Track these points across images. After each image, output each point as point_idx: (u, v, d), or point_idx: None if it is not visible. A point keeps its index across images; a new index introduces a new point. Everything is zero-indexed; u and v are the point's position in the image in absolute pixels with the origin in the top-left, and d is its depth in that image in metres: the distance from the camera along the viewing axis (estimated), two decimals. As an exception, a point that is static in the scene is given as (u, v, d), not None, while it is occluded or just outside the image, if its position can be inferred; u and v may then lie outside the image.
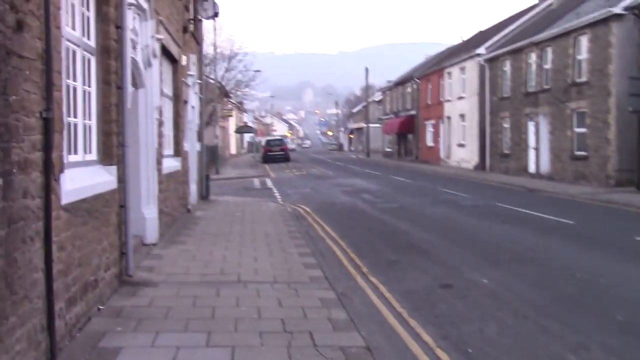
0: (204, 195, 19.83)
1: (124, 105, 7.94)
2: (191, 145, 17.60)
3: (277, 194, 23.75)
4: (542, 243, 11.95)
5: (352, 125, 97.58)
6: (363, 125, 79.02)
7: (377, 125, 69.66)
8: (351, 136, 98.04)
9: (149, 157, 10.63)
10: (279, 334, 6.09)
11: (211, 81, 41.86)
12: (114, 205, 7.68)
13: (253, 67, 49.01)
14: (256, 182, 31.31)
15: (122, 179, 7.92)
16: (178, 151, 14.43)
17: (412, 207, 18.11)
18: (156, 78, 11.13)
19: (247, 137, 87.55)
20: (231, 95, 50.22)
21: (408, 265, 9.98)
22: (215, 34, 38.95)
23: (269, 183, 30.02)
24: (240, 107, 73.73)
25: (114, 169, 7.64)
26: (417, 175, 33.08)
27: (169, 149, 13.64)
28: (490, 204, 18.85)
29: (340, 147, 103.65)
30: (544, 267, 9.80)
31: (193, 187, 17.85)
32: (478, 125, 37.18)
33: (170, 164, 13.07)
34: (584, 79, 25.64)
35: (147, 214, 10.58)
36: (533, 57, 30.29)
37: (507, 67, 33.30)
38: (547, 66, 28.79)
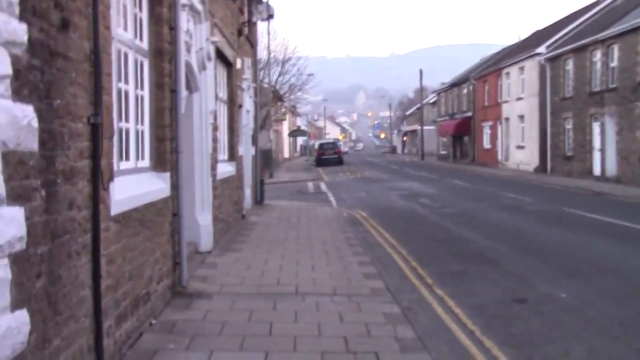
0: (258, 200, 19.57)
1: (177, 109, 7.64)
2: (246, 150, 17.36)
3: (331, 198, 23.32)
4: (620, 252, 11.10)
5: (406, 127, 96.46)
6: (417, 127, 77.93)
7: (432, 127, 68.52)
8: (405, 138, 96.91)
9: (204, 163, 10.35)
10: (342, 355, 5.62)
11: (265, 85, 41.94)
12: (167, 214, 7.38)
13: (306, 71, 48.86)
14: (310, 185, 30.99)
15: (175, 185, 7.61)
16: (233, 156, 14.17)
17: (472, 212, 17.36)
18: (211, 82, 10.85)
19: (300, 140, 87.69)
20: (284, 99, 50.16)
21: (475, 276, 9.35)
22: (269, 38, 38.89)
23: (323, 187, 29.64)
24: (293, 111, 73.83)
25: (167, 175, 7.33)
26: (475, 179, 32.11)
27: (223, 154, 13.38)
28: (556, 209, 17.91)
29: (393, 150, 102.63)
30: (627, 279, 9.01)
31: (247, 192, 17.59)
32: (538, 126, 35.89)
33: (225, 169, 12.79)
34: (654, 76, 24.27)
35: (201, 220, 10.31)
36: (598, 55, 28.94)
37: (570, 66, 31.98)
38: (614, 64, 27.43)
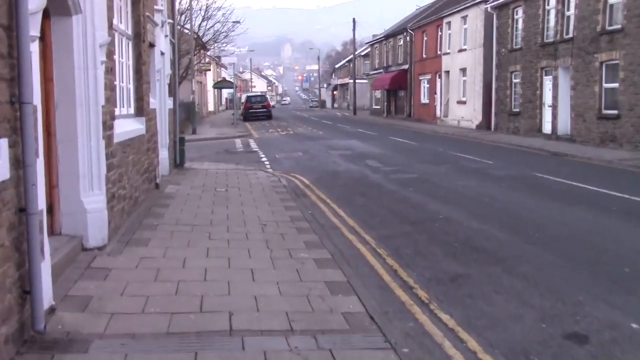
0: (178, 162, 16.27)
1: (21, 29, 4.36)
2: (160, 102, 13.97)
3: (264, 159, 20.25)
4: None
5: (336, 81, 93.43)
6: (348, 81, 75.26)
7: (364, 81, 65.89)
8: (335, 93, 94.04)
9: (90, 120, 7.08)
10: None
11: (187, 31, 37.74)
12: (6, 208, 4.20)
13: (231, 19, 44.64)
14: (238, 143, 27.71)
15: (18, 161, 4.41)
16: (141, 109, 10.83)
17: (434, 178, 14.73)
18: (101, 2, 7.48)
19: (226, 93, 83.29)
20: (208, 47, 45.95)
21: (484, 283, 6.63)
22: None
23: (253, 144, 26.45)
24: (218, 62, 69.24)
25: (-3, 144, 4.11)
26: (417, 136, 29.67)
27: (126, 107, 10.03)
28: (526, 173, 15.55)
29: (322, 105, 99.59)
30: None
31: (164, 154, 14.30)
32: (482, 80, 33.73)
33: (128, 127, 9.49)
34: (618, 25, 22.18)
35: (88, 204, 7.10)
36: (552, 3, 26.68)
37: (520, 14, 29.67)
38: (570, 12, 25.22)
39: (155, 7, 12.63)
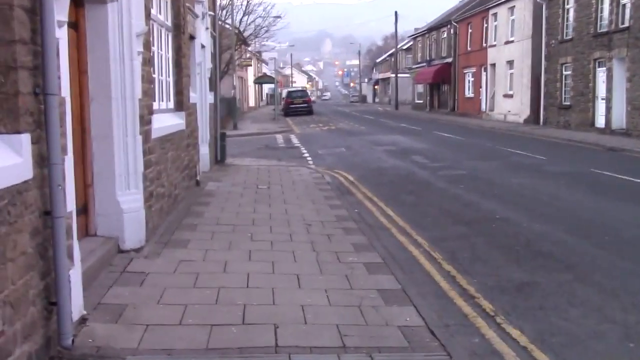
0: (219, 158, 15.90)
1: (44, 6, 3.92)
2: (201, 96, 13.60)
3: (306, 155, 19.75)
4: None
5: (377, 75, 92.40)
6: (390, 75, 74.24)
7: (406, 75, 64.81)
8: (376, 87, 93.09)
9: (127, 115, 6.67)
10: None
11: (228, 26, 37.51)
12: (28, 211, 3.77)
13: (272, 14, 44.16)
14: (279, 138, 27.29)
15: (42, 159, 3.97)
16: (181, 103, 10.43)
17: (485, 175, 14.01)
18: (138, -11, 7.06)
19: (267, 88, 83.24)
20: (249, 42, 45.68)
21: (556, 293, 5.96)
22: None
23: (295, 140, 26.00)
24: (259, 57, 69.16)
25: (17, 140, 3.67)
26: (463, 131, 28.75)
27: (165, 101, 9.64)
28: (583, 170, 14.69)
29: (363, 99, 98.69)
30: None
31: (204, 150, 13.94)
32: (530, 73, 32.56)
33: (167, 122, 9.09)
34: (679, 13, 20.96)
35: (124, 203, 6.70)
36: (607, -10, 25.46)
37: (571, 3, 28.44)
38: (626, 0, 24.00)
39: (195, -2, 12.23)
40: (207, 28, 14.06)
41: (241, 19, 41.21)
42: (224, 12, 39.46)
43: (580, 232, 8.47)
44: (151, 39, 8.44)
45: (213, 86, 15.47)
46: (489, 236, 8.28)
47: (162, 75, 9.40)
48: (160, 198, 8.17)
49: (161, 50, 9.35)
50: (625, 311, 5.45)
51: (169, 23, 9.93)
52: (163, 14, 9.50)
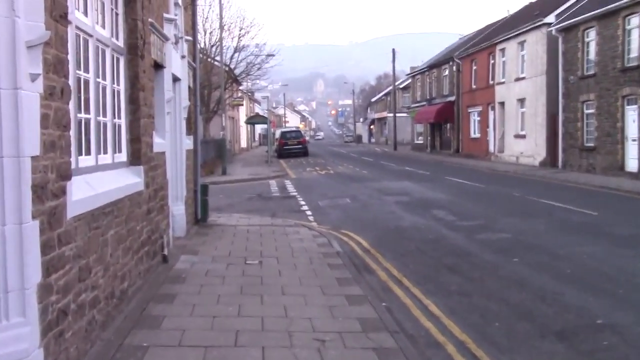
0: (199, 217, 12.86)
1: None
2: (174, 141, 10.67)
3: (305, 208, 16.75)
4: None
5: (373, 115, 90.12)
6: (386, 114, 72.08)
7: (404, 114, 62.40)
8: (372, 127, 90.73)
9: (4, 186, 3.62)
10: None
11: (217, 64, 34.87)
12: None
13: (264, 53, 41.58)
14: (273, 185, 24.31)
15: None
16: (137, 154, 7.43)
17: (537, 240, 11.00)
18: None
19: (259, 128, 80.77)
20: (241, 80, 43.06)
21: None
22: (222, 6, 31.79)
23: (290, 187, 23.02)
24: (251, 97, 66.68)
25: None
26: (477, 176, 25.84)
27: (110, 153, 6.64)
28: (652, 230, 11.75)
29: (358, 139, 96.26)
30: None
31: (179, 210, 10.92)
32: (545, 111, 29.93)
33: (110, 185, 6.06)
34: None
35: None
36: (635, 21, 22.94)
37: (592, 36, 25.92)
38: (659, 31, 21.50)
39: (165, 14, 9.37)
40: (183, 56, 11.19)
41: (232, 56, 38.68)
42: (214, 48, 37.00)
43: None
44: (79, 58, 5.51)
45: (190, 128, 12.52)
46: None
47: (104, 116, 6.43)
48: (83, 311, 5.09)
49: (104, 79, 6.41)
50: None
51: (119, 43, 7.01)
52: (108, 28, 6.58)
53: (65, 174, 4.66)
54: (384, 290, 7.98)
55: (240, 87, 48.84)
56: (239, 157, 47.36)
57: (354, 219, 14.44)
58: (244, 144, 65.19)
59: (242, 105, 56.37)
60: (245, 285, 7.76)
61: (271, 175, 28.63)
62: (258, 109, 71.61)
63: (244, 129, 64.64)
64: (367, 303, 7.03)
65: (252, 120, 49.88)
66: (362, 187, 21.94)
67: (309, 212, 15.83)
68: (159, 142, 8.81)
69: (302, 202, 17.97)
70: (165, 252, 8.88)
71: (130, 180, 6.98)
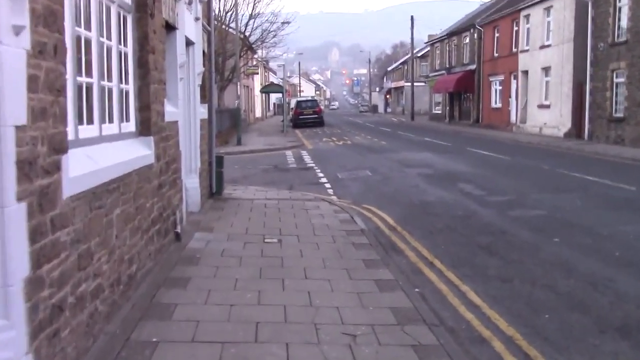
0: (214, 190, 12.23)
1: None
2: (188, 110, 10.00)
3: (324, 180, 16.09)
4: None
5: (390, 84, 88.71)
6: (404, 84, 70.79)
7: (421, 84, 61.16)
8: (388, 97, 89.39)
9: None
10: None
11: (232, 31, 33.93)
12: None
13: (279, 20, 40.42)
14: (290, 156, 23.61)
15: None
16: (147, 124, 6.76)
17: (575, 218, 10.25)
18: None
19: (274, 98, 79.89)
20: (256, 48, 42.07)
21: None
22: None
23: (307, 158, 22.32)
24: (266, 66, 65.65)
25: None
26: (500, 147, 24.93)
27: (116, 122, 5.98)
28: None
29: (374, 109, 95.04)
30: None
31: (193, 182, 10.30)
32: (572, 80, 28.81)
33: (115, 159, 5.41)
34: None
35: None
36: (672, -16, 21.75)
37: (625, 1, 24.71)
38: (699, -6, 20.31)
39: (177, -29, 8.60)
40: (197, 18, 10.43)
41: (247, 23, 37.67)
42: (228, 15, 36.03)
43: None
44: (78, 13, 4.81)
45: (205, 96, 11.82)
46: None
47: (109, 80, 5.75)
48: (83, 304, 4.46)
49: (109, 39, 5.71)
50: None
51: (126, -2, 6.28)
52: (111, -19, 5.85)
53: (60, 147, 4.00)
54: (414, 273, 7.32)
55: (255, 56, 47.87)
56: (253, 127, 46.66)
57: (375, 192, 13.74)
58: (258, 113, 64.41)
59: (257, 73, 55.41)
60: (264, 267, 7.12)
61: (287, 146, 27.92)
62: (273, 78, 70.62)
63: (258, 99, 63.80)
64: (399, 289, 6.37)
65: (267, 89, 48.99)
66: (381, 158, 21.19)
67: (327, 185, 15.15)
68: (171, 111, 8.13)
69: (320, 174, 17.29)
70: (178, 230, 8.26)
71: (139, 153, 6.32)
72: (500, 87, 38.26)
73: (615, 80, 25.54)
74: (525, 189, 13.35)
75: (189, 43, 9.81)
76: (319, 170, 18.22)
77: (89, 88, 5.19)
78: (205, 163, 11.66)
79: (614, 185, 13.57)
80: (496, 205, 11.58)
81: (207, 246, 8.16)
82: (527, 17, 34.00)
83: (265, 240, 8.58)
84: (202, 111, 11.48)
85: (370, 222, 10.33)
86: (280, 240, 8.60)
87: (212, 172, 12.07)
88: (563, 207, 11.07)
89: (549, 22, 31.46)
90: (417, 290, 6.53)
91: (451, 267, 7.50)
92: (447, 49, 49.80)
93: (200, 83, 10.98)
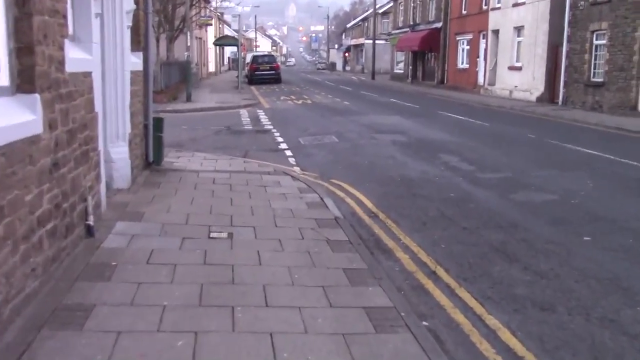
0: (151, 159, 9.93)
1: None
2: (111, 58, 7.64)
3: (284, 146, 13.96)
4: None
5: (349, 42, 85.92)
6: (364, 41, 68.32)
7: (383, 41, 58.80)
8: (347, 55, 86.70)
9: None
10: None
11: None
12: None
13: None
14: (245, 115, 21.28)
15: None
16: (30, 74, 4.45)
17: (594, 204, 8.43)
18: None
19: (229, 52, 76.44)
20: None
21: None
22: None
23: (264, 119, 20.06)
24: (220, 17, 62.17)
25: None
26: (472, 111, 23.07)
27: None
28: None
29: (332, 67, 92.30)
30: None
31: (121, 152, 8.04)
32: (547, 41, 27.03)
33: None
34: None
35: None
36: (665, -63, 19.96)
37: (609, -46, 22.88)
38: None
39: None
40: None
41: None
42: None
43: None
44: None
45: (139, 42, 9.39)
46: None
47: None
48: None
49: None
50: None
51: None
52: None
53: None
54: (415, 290, 5.34)
55: (209, 6, 44.70)
56: (206, 82, 43.74)
57: (345, 164, 11.69)
58: (212, 68, 61.11)
59: (211, 24, 52.09)
60: (207, 283, 5.00)
61: (242, 104, 25.47)
62: (228, 31, 67.06)
63: (212, 52, 60.43)
64: (403, 325, 4.37)
65: (221, 41, 46.00)
66: (347, 121, 19.07)
67: (289, 153, 13.03)
68: (80, 58, 5.81)
69: (280, 139, 15.12)
70: (91, 222, 6.02)
71: (11, 119, 4.06)
72: (468, 47, 36.35)
73: (595, 42, 23.85)
74: (521, 164, 11.46)
75: (112, -31, 7.40)
76: (278, 134, 16.04)
77: None
78: (138, 127, 9.33)
79: (617, 161, 11.82)
80: (493, 185, 9.65)
81: (130, 245, 5.96)
82: (500, -29, 31.95)
83: (211, 235, 6.44)
84: (135, 61, 9.08)
85: (344, 206, 8.31)
86: (230, 235, 6.47)
87: (148, 138, 9.74)
88: (575, 191, 9.20)
89: (523, -22, 29.50)
90: (425, 324, 4.55)
91: (462, 279, 5.54)
92: (412, 5, 47.47)
93: (130, 24, 8.56)
